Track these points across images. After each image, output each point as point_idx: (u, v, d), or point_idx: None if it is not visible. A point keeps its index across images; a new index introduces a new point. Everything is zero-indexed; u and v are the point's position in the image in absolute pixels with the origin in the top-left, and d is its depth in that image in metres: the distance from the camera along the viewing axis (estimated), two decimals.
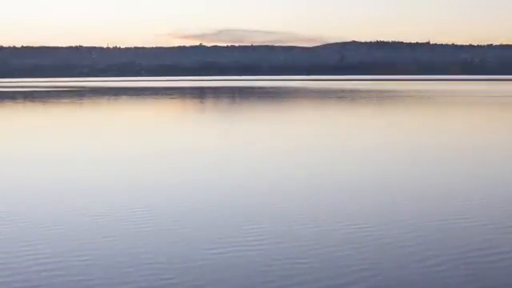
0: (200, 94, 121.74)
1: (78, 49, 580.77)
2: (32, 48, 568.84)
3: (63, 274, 11.58)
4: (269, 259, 12.50)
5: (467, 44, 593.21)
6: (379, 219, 16.01)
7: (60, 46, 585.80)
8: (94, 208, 17.54)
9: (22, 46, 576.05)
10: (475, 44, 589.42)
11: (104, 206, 17.86)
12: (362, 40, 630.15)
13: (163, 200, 18.65)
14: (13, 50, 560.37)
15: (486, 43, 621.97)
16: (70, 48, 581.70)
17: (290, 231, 14.81)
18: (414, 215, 16.41)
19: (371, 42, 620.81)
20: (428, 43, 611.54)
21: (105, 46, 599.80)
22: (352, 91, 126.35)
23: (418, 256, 12.65)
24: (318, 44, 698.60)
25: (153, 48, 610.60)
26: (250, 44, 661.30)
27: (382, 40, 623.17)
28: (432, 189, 20.19)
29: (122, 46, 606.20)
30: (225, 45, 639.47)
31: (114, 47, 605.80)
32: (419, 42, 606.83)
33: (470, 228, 15.04)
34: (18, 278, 11.44)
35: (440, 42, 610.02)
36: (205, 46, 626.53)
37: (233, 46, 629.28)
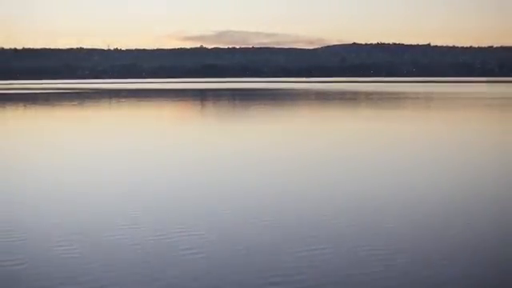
0: (202, 96, 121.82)
1: (79, 51, 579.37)
2: (33, 50, 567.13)
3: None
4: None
5: (468, 46, 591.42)
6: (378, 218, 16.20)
7: (61, 48, 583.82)
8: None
9: (23, 48, 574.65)
10: (476, 46, 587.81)
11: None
12: (363, 42, 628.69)
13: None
14: (14, 51, 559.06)
15: (486, 45, 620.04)
16: (70, 50, 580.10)
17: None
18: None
19: (372, 44, 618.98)
20: (429, 45, 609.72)
21: (106, 48, 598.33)
22: (354, 93, 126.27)
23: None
24: (319, 46, 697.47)
25: (153, 50, 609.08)
26: (250, 46, 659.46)
27: (382, 42, 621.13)
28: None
29: (122, 48, 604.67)
30: (226, 47, 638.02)
31: (114, 49, 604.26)
32: (420, 44, 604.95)
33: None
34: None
35: (441, 44, 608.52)
36: (206, 48, 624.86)
37: (234, 48, 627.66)
